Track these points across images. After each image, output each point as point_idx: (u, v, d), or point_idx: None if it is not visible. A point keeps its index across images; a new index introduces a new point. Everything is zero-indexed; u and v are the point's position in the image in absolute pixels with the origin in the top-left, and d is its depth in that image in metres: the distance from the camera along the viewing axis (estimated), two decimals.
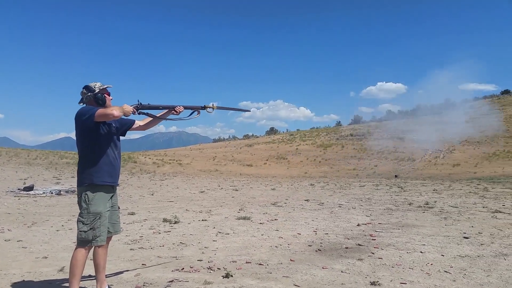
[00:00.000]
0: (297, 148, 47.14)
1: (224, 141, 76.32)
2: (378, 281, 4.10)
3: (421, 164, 33.49)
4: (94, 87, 3.45)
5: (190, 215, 9.01)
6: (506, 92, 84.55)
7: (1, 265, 4.59)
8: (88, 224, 3.25)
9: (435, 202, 11.86)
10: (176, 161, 37.69)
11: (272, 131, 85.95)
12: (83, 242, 3.27)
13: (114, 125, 3.50)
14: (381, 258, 5.15)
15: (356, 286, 3.98)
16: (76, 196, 3.44)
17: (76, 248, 3.28)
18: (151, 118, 3.83)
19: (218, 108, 4.00)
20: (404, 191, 16.22)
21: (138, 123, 3.82)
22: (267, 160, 40.78)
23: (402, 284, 4.05)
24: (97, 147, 3.34)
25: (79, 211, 3.38)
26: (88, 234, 3.24)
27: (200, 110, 3.92)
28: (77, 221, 3.29)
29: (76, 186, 3.46)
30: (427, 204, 11.25)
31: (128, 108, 3.34)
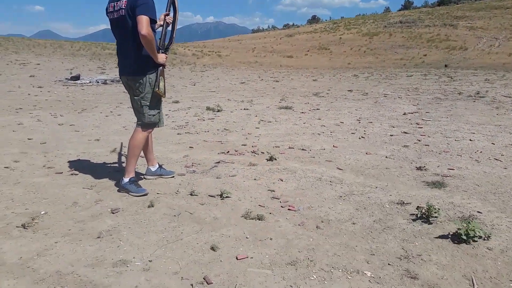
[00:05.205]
0: (340, 38, 44.79)
1: (263, 32, 73.68)
2: (424, 166, 4.05)
3: (473, 53, 31.09)
4: None
5: (232, 104, 9.08)
6: None
7: (57, 146, 4.91)
8: (155, 107, 3.32)
9: (487, 91, 11.21)
10: (215, 52, 37.21)
11: (314, 19, 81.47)
12: (149, 125, 3.37)
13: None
14: (428, 145, 5.04)
15: (401, 171, 3.96)
16: (125, 84, 3.40)
17: (139, 131, 3.35)
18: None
19: None
20: (454, 80, 15.37)
21: None
22: (308, 51, 39.34)
23: (449, 170, 3.99)
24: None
25: (128, 97, 3.43)
26: (156, 117, 3.36)
27: None
28: (141, 106, 3.29)
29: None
30: (478, 93, 10.67)
31: (163, 59, 3.25)
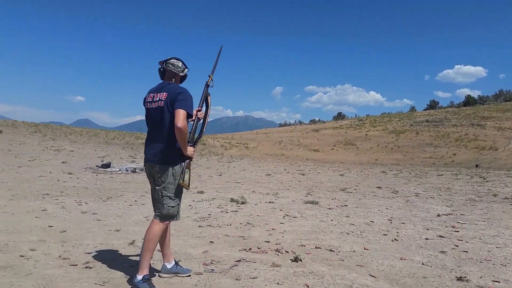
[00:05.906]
0: (366, 134, 45.44)
1: (290, 126, 75.90)
2: (465, 277, 3.65)
3: (504, 154, 30.51)
4: (184, 69, 3.42)
5: (256, 197, 8.94)
6: None
7: (76, 235, 4.80)
8: (175, 199, 3.25)
9: None
10: (243, 144, 38.17)
11: (339, 116, 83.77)
12: (168, 217, 3.27)
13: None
14: (467, 252, 4.63)
15: (440, 281, 3.57)
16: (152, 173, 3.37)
17: (156, 223, 3.24)
18: None
19: (213, 73, 3.61)
20: (486, 181, 14.85)
21: None
22: (334, 145, 39.83)
23: (494, 282, 3.57)
24: None
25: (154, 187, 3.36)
26: (175, 209, 3.27)
27: (208, 91, 3.52)
28: (162, 196, 3.22)
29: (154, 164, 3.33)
30: None
31: (191, 152, 3.28)
